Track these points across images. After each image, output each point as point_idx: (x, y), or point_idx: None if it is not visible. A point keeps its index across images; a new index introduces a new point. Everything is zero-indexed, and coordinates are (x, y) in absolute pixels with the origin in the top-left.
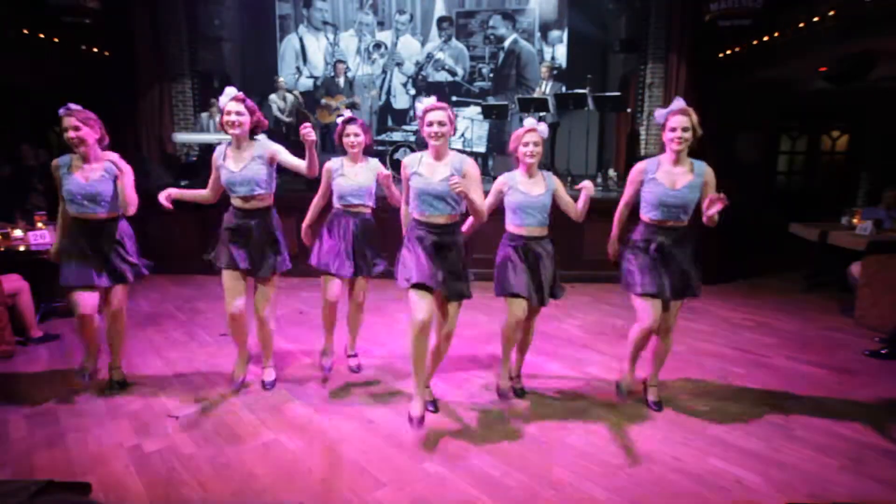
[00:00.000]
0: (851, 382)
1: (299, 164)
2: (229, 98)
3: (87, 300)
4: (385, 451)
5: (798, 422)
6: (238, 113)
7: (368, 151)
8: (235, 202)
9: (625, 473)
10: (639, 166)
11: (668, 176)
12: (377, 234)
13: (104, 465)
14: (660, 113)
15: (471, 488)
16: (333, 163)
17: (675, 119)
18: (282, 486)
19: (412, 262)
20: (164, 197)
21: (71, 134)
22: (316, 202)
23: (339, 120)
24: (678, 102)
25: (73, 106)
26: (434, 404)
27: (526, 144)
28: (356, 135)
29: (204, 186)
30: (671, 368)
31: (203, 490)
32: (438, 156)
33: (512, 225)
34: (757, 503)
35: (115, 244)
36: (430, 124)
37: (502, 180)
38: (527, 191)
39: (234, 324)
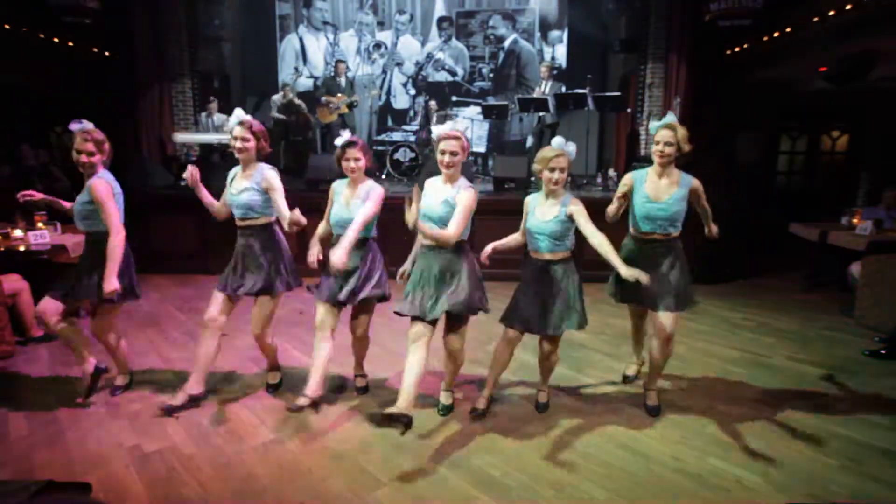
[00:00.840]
0: (851, 382)
1: (284, 212)
2: (237, 122)
3: (45, 305)
4: (385, 452)
5: (798, 422)
6: (244, 139)
7: (370, 173)
8: (236, 220)
9: (625, 473)
10: (629, 175)
11: (654, 189)
12: (373, 261)
13: (104, 465)
14: (653, 125)
15: (471, 488)
16: (337, 185)
17: (659, 133)
18: (282, 486)
19: (409, 293)
20: (191, 174)
21: (84, 159)
22: (322, 227)
23: (338, 142)
24: (668, 117)
25: (87, 125)
26: (447, 409)
27: (552, 170)
28: (356, 159)
29: (204, 186)
30: (671, 368)
31: (203, 490)
32: (449, 181)
33: (528, 248)
34: (757, 503)
35: (100, 262)
36: (444, 153)
37: (527, 200)
38: (540, 215)
39: (203, 331)
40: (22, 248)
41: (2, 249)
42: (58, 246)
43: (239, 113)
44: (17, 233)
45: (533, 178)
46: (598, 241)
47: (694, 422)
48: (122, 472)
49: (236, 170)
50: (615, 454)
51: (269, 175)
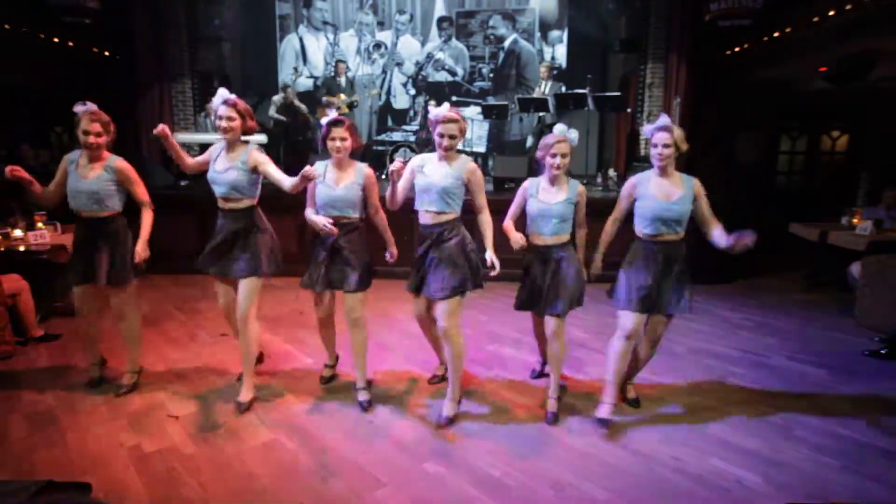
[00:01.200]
0: (851, 382)
1: (282, 178)
2: (221, 101)
3: (83, 298)
4: (385, 451)
5: (798, 422)
6: (229, 118)
7: (356, 155)
8: (217, 201)
9: (625, 473)
10: (631, 181)
11: (661, 189)
12: (362, 245)
13: (104, 465)
14: (647, 129)
15: (471, 488)
16: (318, 167)
17: (656, 136)
18: (282, 486)
19: (413, 269)
20: (160, 130)
21: (91, 140)
22: (311, 210)
23: (324, 121)
24: (662, 119)
25: (92, 106)
26: (450, 420)
27: (554, 156)
28: (342, 139)
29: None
30: (671, 368)
31: (203, 490)
32: (447, 160)
33: (529, 232)
34: (757, 503)
35: (117, 244)
36: (442, 136)
37: (525, 185)
38: (545, 199)
39: (227, 320)
40: (22, 248)
41: (2, 249)
42: (58, 246)
43: (223, 92)
44: (17, 233)
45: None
46: (582, 234)
47: (694, 422)
48: (122, 472)
49: (220, 147)
50: (615, 454)
51: (255, 153)
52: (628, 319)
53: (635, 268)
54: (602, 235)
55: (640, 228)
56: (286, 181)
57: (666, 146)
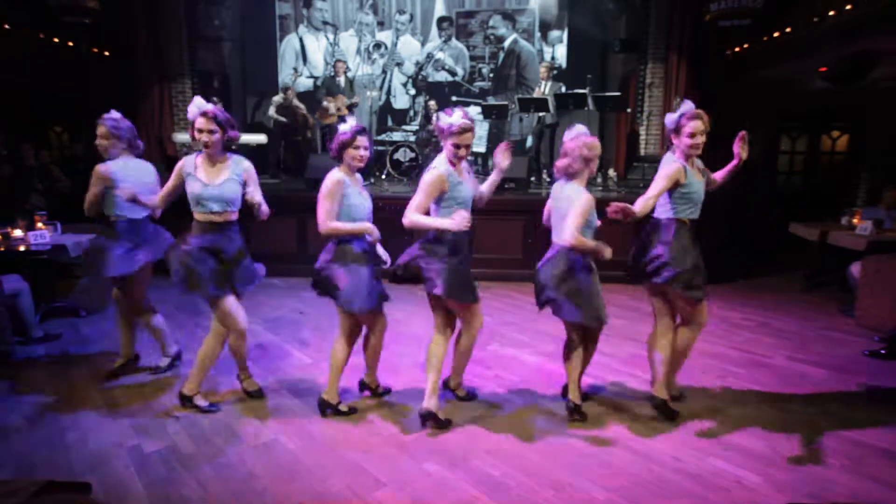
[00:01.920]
0: (851, 382)
1: (264, 203)
2: (199, 113)
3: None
4: (385, 451)
5: (799, 422)
6: (210, 131)
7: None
8: (201, 217)
9: (625, 473)
10: (677, 167)
11: (697, 175)
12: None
13: (104, 465)
14: (671, 118)
15: (471, 488)
16: (343, 176)
17: (690, 125)
18: (282, 486)
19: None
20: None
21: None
22: (343, 226)
23: (348, 129)
24: (688, 105)
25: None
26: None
27: (593, 149)
28: (366, 148)
29: None
30: None
31: (203, 490)
32: (462, 167)
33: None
34: (757, 503)
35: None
36: (458, 147)
37: (587, 197)
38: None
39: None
40: (22, 248)
41: (2, 249)
42: (58, 246)
43: (199, 102)
44: (17, 233)
45: (533, 178)
46: None
47: (694, 422)
48: (122, 472)
49: (193, 161)
50: (615, 454)
51: (249, 166)
52: (704, 309)
53: (693, 254)
54: (641, 208)
55: (687, 214)
56: (264, 206)
57: (702, 134)
